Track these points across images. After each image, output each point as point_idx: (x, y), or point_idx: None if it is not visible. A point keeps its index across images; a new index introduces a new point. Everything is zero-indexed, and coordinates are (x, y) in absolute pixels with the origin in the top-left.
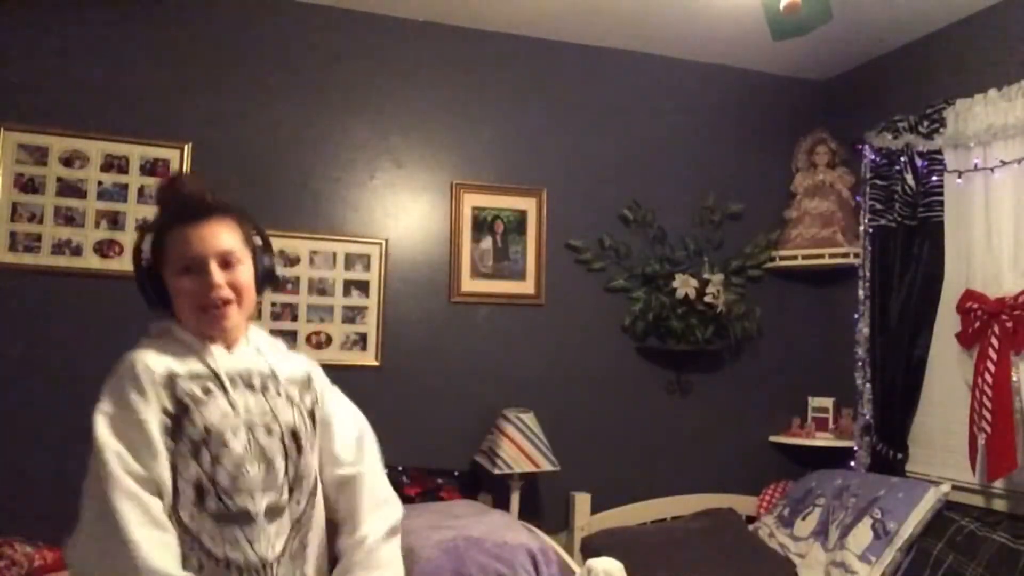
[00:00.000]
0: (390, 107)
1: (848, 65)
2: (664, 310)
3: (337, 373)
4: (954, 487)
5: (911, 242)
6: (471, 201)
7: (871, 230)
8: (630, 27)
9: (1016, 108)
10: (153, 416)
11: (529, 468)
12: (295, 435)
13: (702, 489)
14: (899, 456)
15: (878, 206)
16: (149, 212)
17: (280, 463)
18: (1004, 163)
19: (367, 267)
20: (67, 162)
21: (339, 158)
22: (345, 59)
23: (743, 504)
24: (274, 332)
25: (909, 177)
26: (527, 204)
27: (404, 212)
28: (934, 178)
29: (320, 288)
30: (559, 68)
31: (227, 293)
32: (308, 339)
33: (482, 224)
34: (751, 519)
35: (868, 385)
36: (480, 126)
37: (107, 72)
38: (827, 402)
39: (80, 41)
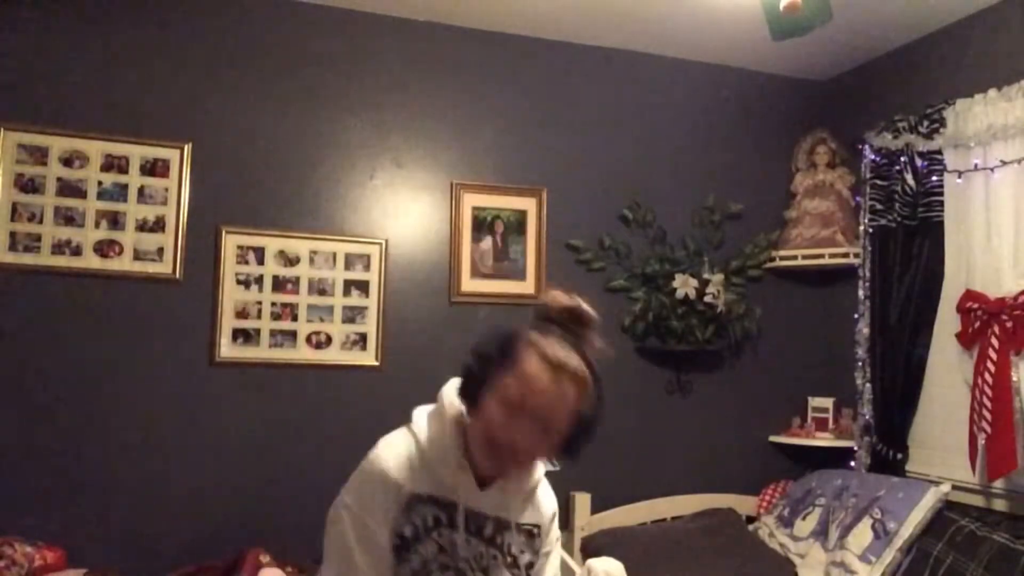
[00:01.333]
0: (390, 107)
1: (848, 65)
2: (664, 310)
3: (337, 373)
4: (954, 487)
5: (911, 242)
6: (471, 201)
7: (871, 230)
8: (630, 27)
9: (1016, 108)
10: (383, 530)
11: None
12: None
13: (702, 489)
14: (899, 456)
15: (878, 206)
16: (149, 212)
17: None
18: (1004, 163)
19: (367, 267)
20: (67, 162)
21: (339, 158)
22: (345, 59)
23: (743, 504)
24: (274, 332)
25: (909, 177)
26: (527, 204)
27: (404, 212)
28: (934, 178)
29: (320, 288)
30: (559, 68)
31: (523, 457)
32: (308, 339)
33: (482, 224)
34: (751, 519)
35: (868, 385)
36: (480, 126)
37: (107, 72)
38: (827, 402)
39: (80, 41)
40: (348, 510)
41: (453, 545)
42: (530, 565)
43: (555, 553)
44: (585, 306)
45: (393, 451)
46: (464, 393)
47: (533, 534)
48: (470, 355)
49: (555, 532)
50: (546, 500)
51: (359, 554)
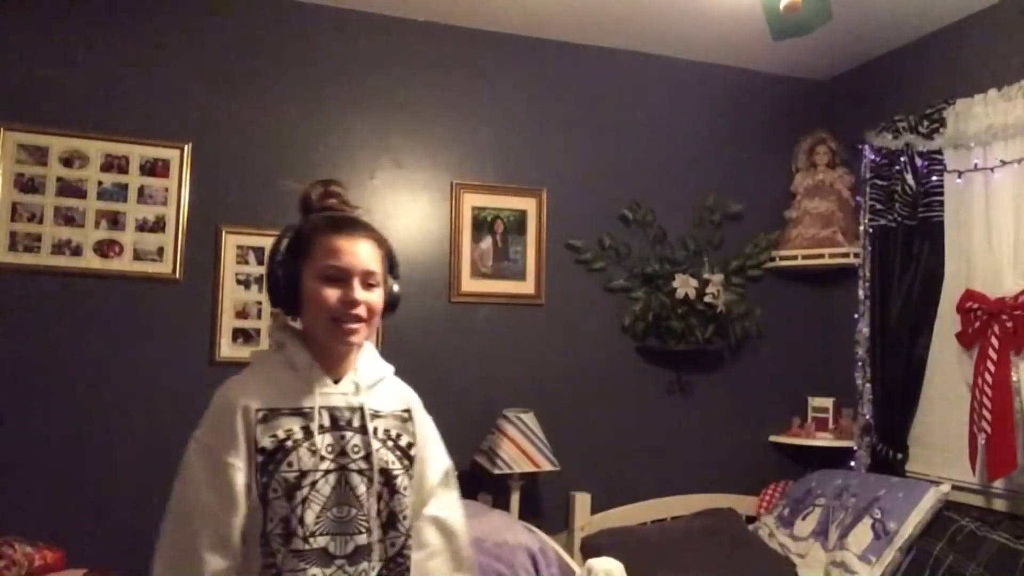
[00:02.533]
0: (390, 107)
1: (848, 65)
2: (664, 310)
3: None
4: (954, 487)
5: (911, 242)
6: (471, 201)
7: (871, 230)
8: (630, 27)
9: (1016, 108)
10: (240, 460)
11: (529, 468)
12: (387, 475)
13: (702, 489)
14: (899, 456)
15: (878, 206)
16: (149, 212)
17: (371, 504)
18: (1004, 163)
19: None
20: (67, 162)
21: (339, 158)
22: (345, 59)
23: (743, 504)
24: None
25: (909, 177)
26: (527, 204)
27: (404, 212)
28: (934, 178)
29: None
30: (559, 68)
31: (363, 311)
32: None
33: (482, 224)
34: (751, 519)
35: (868, 385)
36: (480, 126)
37: (107, 72)
38: (827, 402)
39: (80, 41)
40: (197, 443)
41: (328, 446)
42: (410, 445)
43: (441, 470)
44: (332, 186)
45: (239, 380)
46: (280, 301)
47: (404, 418)
48: (268, 270)
49: (430, 434)
50: (405, 389)
51: (205, 490)
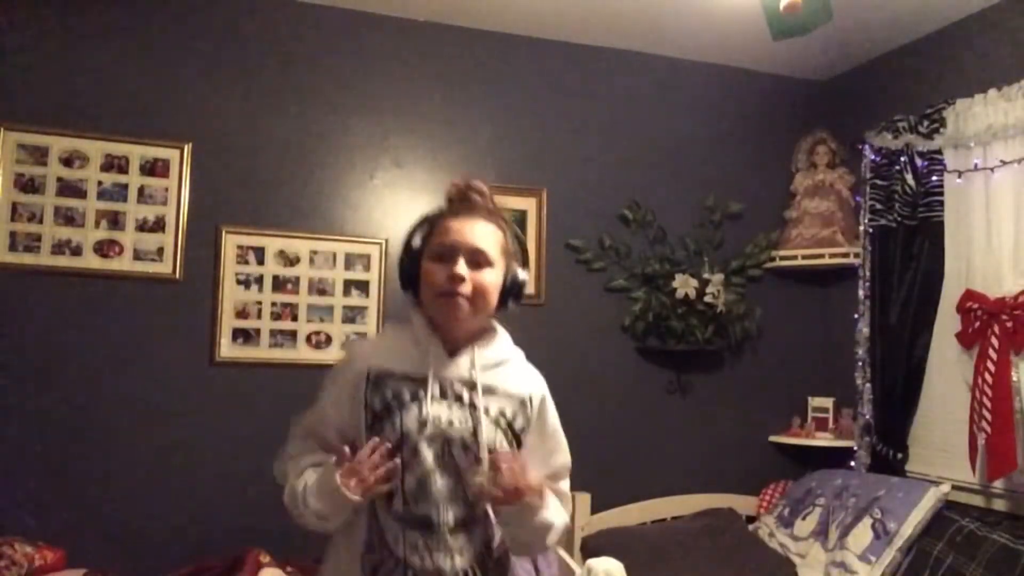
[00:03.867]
0: (390, 107)
1: (848, 65)
2: (664, 310)
3: None
4: (954, 487)
5: (911, 242)
6: None
7: (871, 230)
8: (630, 27)
9: (1016, 108)
10: (339, 413)
11: None
12: (492, 452)
13: (702, 489)
14: (899, 456)
15: (878, 206)
16: (149, 212)
17: (473, 479)
18: (1004, 163)
19: (367, 267)
20: (67, 162)
21: (339, 158)
22: (345, 59)
23: (743, 504)
24: (274, 332)
25: (909, 177)
26: (527, 204)
27: (404, 212)
28: (934, 178)
29: (320, 288)
30: (559, 68)
31: (466, 288)
32: (308, 339)
33: None
34: (751, 519)
35: (868, 385)
36: (480, 126)
37: (107, 72)
38: (827, 402)
39: (80, 41)
40: (323, 390)
41: (435, 416)
42: (523, 430)
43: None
44: (474, 181)
45: (365, 342)
46: (406, 284)
47: (524, 403)
48: (400, 256)
49: (550, 424)
50: (533, 376)
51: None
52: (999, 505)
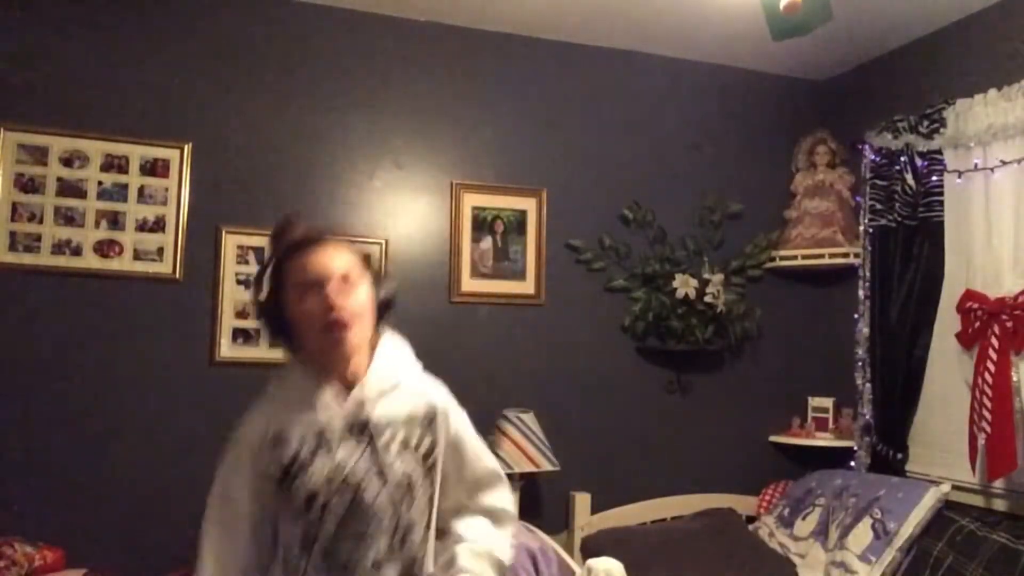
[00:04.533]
0: (390, 107)
1: (848, 65)
2: (664, 310)
3: None
4: (954, 487)
5: (911, 242)
6: (471, 201)
7: (871, 230)
8: (630, 27)
9: (1016, 108)
10: (246, 493)
11: (529, 468)
12: (408, 485)
13: (702, 489)
14: (899, 456)
15: (878, 206)
16: (149, 212)
17: (388, 515)
18: (1004, 163)
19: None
20: (67, 162)
21: (339, 158)
22: (345, 59)
23: (743, 504)
24: None
25: (909, 177)
26: (527, 204)
27: (404, 212)
28: (934, 178)
29: None
30: (559, 68)
31: (346, 314)
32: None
33: (482, 224)
34: (751, 519)
35: (868, 385)
36: (480, 126)
37: (107, 72)
38: (827, 402)
39: (80, 41)
40: (212, 498)
41: (340, 463)
42: (430, 451)
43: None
44: (291, 215)
45: (254, 412)
46: (276, 335)
47: (424, 423)
48: (257, 313)
49: (461, 434)
50: (429, 390)
51: (216, 538)
52: (999, 505)
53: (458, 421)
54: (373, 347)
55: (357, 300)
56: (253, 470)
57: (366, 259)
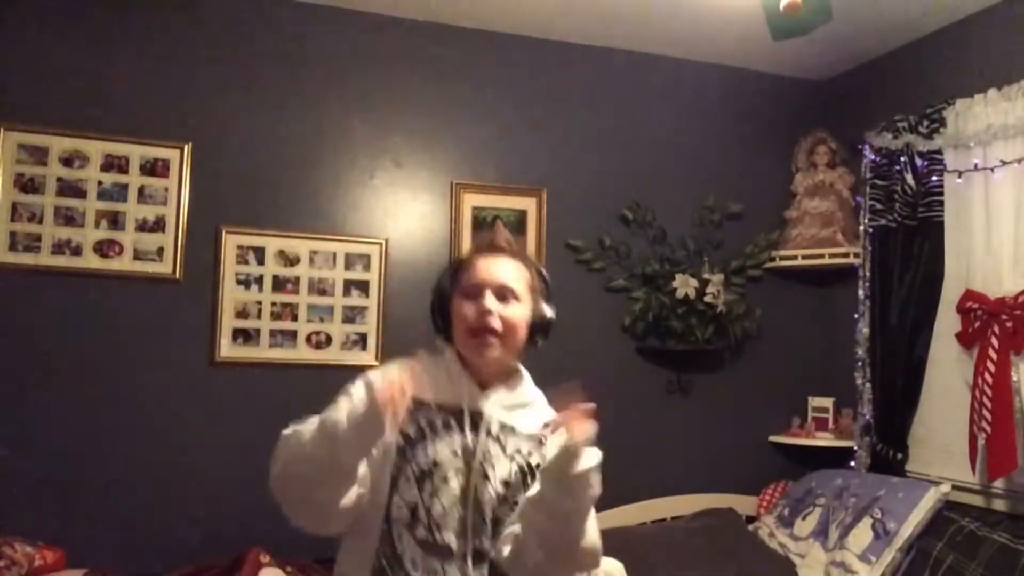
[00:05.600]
0: (390, 107)
1: (848, 65)
2: (664, 310)
3: (337, 373)
4: (954, 487)
5: (911, 242)
6: (471, 201)
7: (871, 230)
8: (630, 27)
9: (1016, 108)
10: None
11: None
12: (507, 486)
13: (702, 489)
14: (899, 456)
15: (878, 206)
16: (149, 212)
17: (489, 511)
18: (1004, 163)
19: (367, 267)
20: (67, 162)
21: (339, 158)
22: (345, 59)
23: (743, 504)
24: (274, 332)
25: (909, 177)
26: (527, 204)
27: (404, 212)
28: (934, 178)
29: (320, 288)
30: (559, 68)
31: (496, 323)
32: (308, 339)
33: (482, 224)
34: (751, 519)
35: (868, 385)
36: (480, 126)
37: (107, 72)
38: (827, 402)
39: (80, 41)
40: (366, 384)
41: (464, 447)
42: (539, 466)
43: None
44: (500, 235)
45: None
46: (437, 324)
47: (543, 441)
48: (431, 300)
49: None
50: (551, 416)
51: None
52: (999, 505)
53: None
54: (511, 370)
55: (511, 313)
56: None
57: (540, 278)
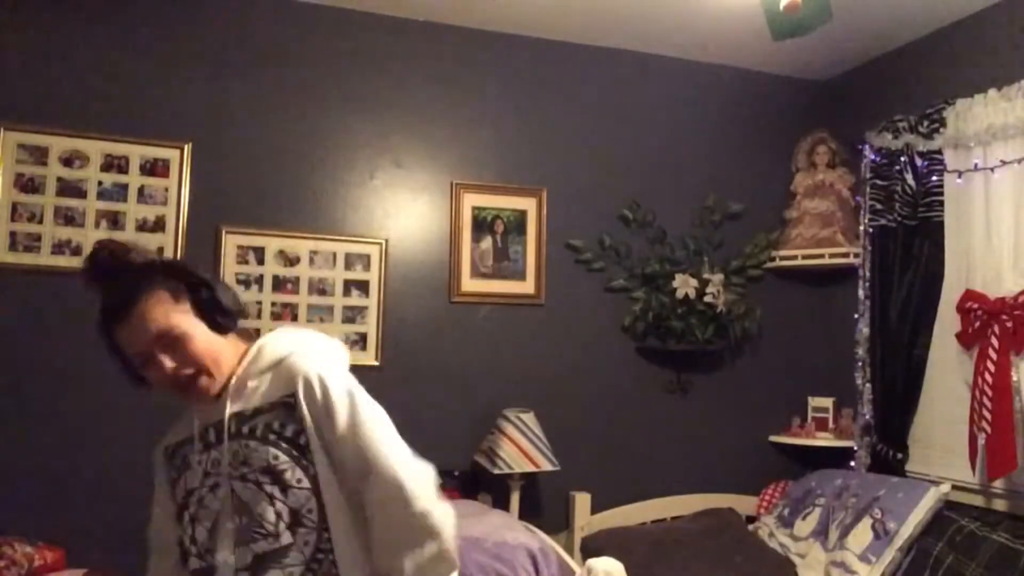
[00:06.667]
0: (390, 107)
1: (848, 65)
2: (664, 310)
3: None
4: (954, 487)
5: (911, 242)
6: (471, 201)
7: (871, 230)
8: (630, 27)
9: (1016, 108)
10: (159, 506)
11: (529, 468)
12: (272, 473)
13: (702, 489)
14: (899, 456)
15: (878, 206)
16: (149, 212)
17: (265, 508)
18: (1004, 163)
19: (367, 267)
20: (67, 162)
21: (339, 158)
22: (345, 59)
23: (743, 504)
24: None
25: (909, 177)
26: (527, 204)
27: (404, 212)
28: (934, 178)
29: (320, 288)
30: (559, 68)
31: (187, 371)
32: None
33: (482, 224)
34: (751, 519)
35: (868, 385)
36: (480, 126)
37: (107, 72)
38: (827, 402)
39: (80, 41)
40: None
41: (210, 463)
42: (298, 433)
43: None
44: (91, 257)
45: (160, 441)
46: (137, 383)
47: (289, 404)
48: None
49: (333, 405)
50: (296, 370)
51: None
52: (999, 505)
53: (325, 392)
54: (242, 354)
55: (192, 350)
56: (165, 480)
57: (179, 286)
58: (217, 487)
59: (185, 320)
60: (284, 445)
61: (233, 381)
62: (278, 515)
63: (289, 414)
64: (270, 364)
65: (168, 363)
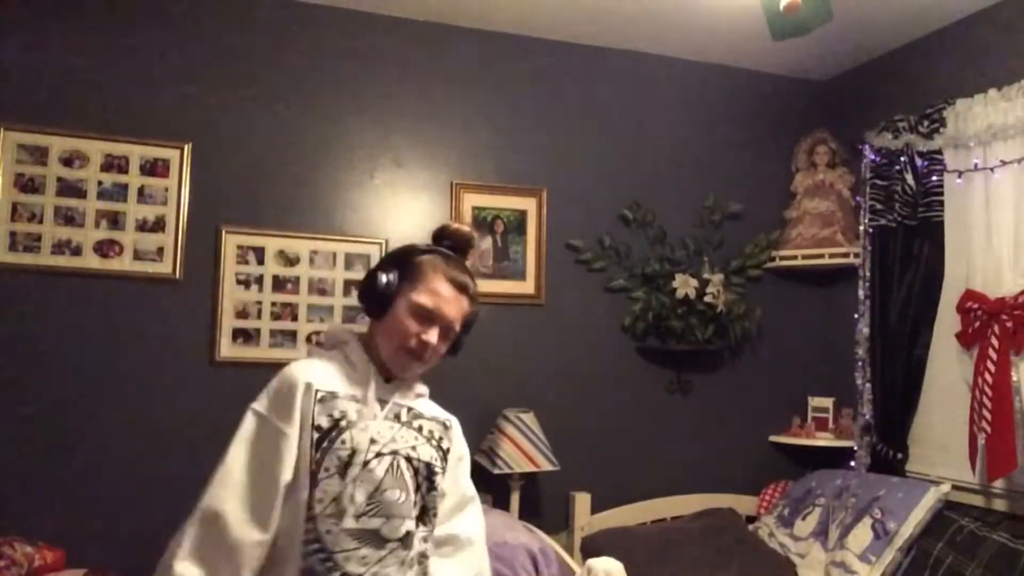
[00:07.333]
0: (390, 107)
1: (848, 65)
2: (664, 310)
3: None
4: (954, 487)
5: (911, 242)
6: (471, 201)
7: (871, 230)
8: (630, 27)
9: (1016, 108)
10: (293, 430)
11: (529, 468)
12: (430, 469)
13: (702, 489)
14: (899, 456)
15: (878, 206)
16: (149, 212)
17: (414, 495)
18: (1004, 163)
19: (367, 267)
20: (67, 162)
21: (339, 158)
22: (345, 59)
23: (743, 504)
24: (274, 332)
25: (909, 177)
26: (527, 204)
27: (404, 212)
28: (934, 178)
29: (320, 288)
30: (559, 68)
31: (428, 354)
32: (308, 339)
33: (482, 224)
34: (751, 519)
35: (868, 385)
36: (480, 126)
37: (107, 72)
38: (827, 402)
39: (80, 41)
40: (253, 413)
41: (381, 432)
42: (448, 450)
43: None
44: (474, 234)
45: (303, 362)
46: (371, 304)
47: (445, 426)
48: (374, 272)
49: (465, 454)
50: (442, 410)
51: (253, 459)
52: (999, 505)
53: (464, 443)
54: None
55: (443, 347)
56: (303, 414)
57: (474, 313)
58: (381, 456)
59: (455, 332)
60: (440, 452)
61: (406, 382)
62: (416, 504)
63: (445, 432)
64: (424, 391)
65: (433, 338)
